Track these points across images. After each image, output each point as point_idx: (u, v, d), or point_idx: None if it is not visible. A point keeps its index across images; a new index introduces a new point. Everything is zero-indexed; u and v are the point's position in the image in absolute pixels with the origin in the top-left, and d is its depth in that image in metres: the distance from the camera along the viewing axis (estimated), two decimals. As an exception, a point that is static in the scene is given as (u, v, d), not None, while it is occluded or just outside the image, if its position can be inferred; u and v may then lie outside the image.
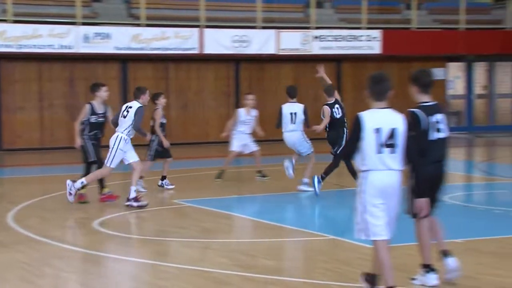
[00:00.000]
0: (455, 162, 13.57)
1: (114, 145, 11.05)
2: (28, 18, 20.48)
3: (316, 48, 22.79)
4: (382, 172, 6.04)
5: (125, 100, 22.09)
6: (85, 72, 21.60)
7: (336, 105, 12.26)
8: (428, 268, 6.60)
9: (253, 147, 14.33)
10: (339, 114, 12.20)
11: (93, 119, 11.49)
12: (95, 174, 11.35)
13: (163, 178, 13.12)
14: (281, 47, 22.50)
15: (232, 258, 7.95)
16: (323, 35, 22.85)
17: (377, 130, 6.00)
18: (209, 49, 21.76)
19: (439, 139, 6.58)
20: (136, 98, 11.42)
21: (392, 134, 6.03)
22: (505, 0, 26.04)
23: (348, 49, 23.14)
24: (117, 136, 11.12)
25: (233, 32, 22.08)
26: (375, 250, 6.11)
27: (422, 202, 6.34)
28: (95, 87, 11.66)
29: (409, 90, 6.70)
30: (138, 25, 21.44)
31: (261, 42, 22.29)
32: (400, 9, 25.98)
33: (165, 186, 13.06)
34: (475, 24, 25.21)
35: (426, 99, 6.65)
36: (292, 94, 13.00)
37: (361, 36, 23.22)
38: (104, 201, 11.54)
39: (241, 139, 14.15)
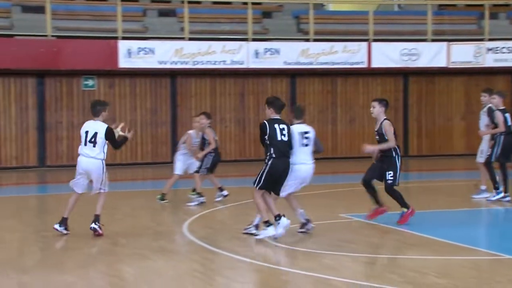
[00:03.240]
0: None
1: None
2: (203, 36, 21.35)
3: (490, 61, 21.99)
4: None
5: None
6: (255, 87, 22.17)
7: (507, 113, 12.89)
8: (268, 223, 9.73)
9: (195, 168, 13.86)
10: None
11: None
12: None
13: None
14: (452, 59, 21.92)
15: (401, 274, 7.82)
16: (497, 47, 22.01)
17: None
18: (377, 63, 21.62)
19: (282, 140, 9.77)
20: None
21: None
22: None
23: (524, 61, 22.14)
24: None
25: (402, 45, 21.79)
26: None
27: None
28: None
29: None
30: (306, 40, 21.71)
31: (431, 55, 21.83)
32: None
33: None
34: None
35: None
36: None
37: (539, 47, 22.12)
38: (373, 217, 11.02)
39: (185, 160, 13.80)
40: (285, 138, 9.81)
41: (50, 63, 19.72)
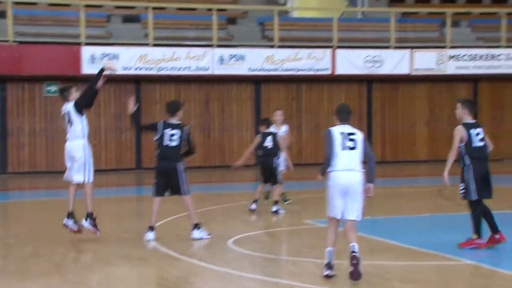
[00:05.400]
0: None
1: None
2: (167, 42, 21.29)
3: (452, 68, 22.31)
4: None
5: (257, 120, 22.50)
6: (219, 93, 22.17)
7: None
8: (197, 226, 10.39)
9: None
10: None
11: None
12: None
13: (276, 202, 12.93)
14: (415, 67, 22.19)
15: (365, 280, 7.87)
16: (459, 55, 22.34)
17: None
18: (341, 70, 21.79)
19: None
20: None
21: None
22: None
23: (485, 69, 22.49)
24: None
25: (366, 52, 22.00)
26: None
27: None
28: None
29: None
30: (271, 46, 21.80)
31: (395, 62, 22.08)
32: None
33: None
34: None
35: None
36: None
37: (500, 55, 22.50)
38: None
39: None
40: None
41: (12, 69, 19.50)
